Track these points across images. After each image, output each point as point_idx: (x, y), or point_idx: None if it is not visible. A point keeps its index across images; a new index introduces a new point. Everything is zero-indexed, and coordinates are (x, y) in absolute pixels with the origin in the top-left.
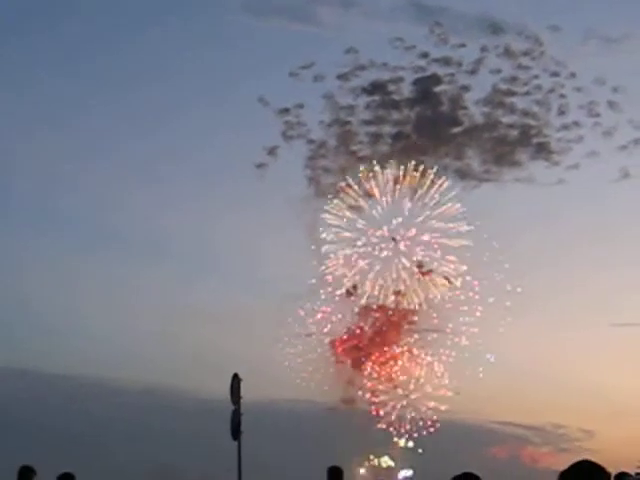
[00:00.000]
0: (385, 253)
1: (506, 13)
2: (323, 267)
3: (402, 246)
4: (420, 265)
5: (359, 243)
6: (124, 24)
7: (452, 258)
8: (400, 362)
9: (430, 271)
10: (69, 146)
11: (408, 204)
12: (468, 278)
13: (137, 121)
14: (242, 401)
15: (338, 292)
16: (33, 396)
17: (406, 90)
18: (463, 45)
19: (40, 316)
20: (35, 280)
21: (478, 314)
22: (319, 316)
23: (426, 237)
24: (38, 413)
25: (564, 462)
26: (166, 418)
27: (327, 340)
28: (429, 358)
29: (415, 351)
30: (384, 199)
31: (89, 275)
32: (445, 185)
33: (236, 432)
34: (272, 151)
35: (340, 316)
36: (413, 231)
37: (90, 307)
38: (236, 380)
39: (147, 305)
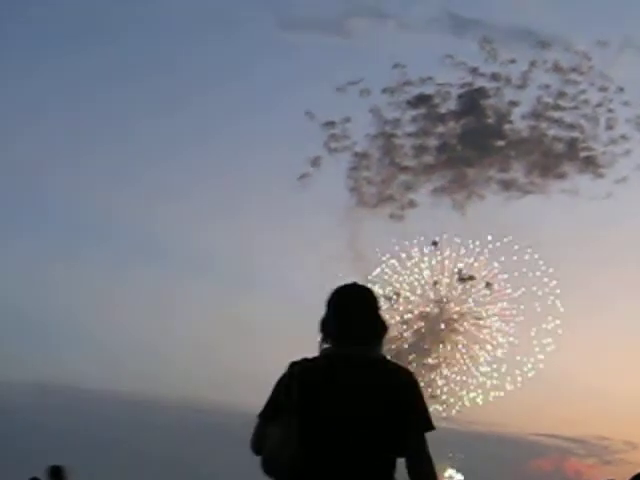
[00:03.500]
0: (427, 260)
1: (549, 27)
2: (364, 277)
3: (443, 252)
4: (460, 271)
5: (400, 250)
6: (167, 43)
7: (493, 266)
8: (440, 372)
9: (471, 277)
10: (109, 161)
11: (450, 213)
12: (509, 288)
13: (182, 136)
14: None
15: (382, 302)
16: (72, 410)
17: (452, 103)
18: (513, 61)
19: (80, 331)
20: (74, 295)
21: (519, 325)
22: None
23: (468, 245)
24: (77, 427)
25: (608, 474)
26: (204, 432)
27: None
28: (470, 369)
29: (455, 361)
30: (426, 209)
31: (130, 289)
32: (488, 196)
33: None
34: (315, 162)
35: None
36: (454, 238)
37: (131, 321)
38: None
39: (188, 319)
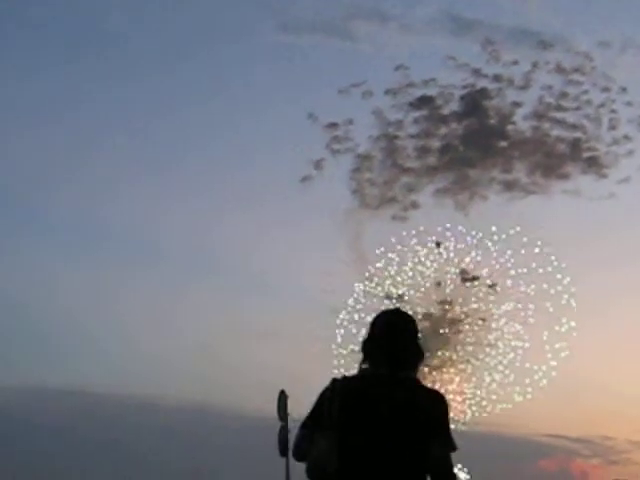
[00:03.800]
0: (430, 261)
1: (551, 28)
2: (368, 278)
3: (447, 253)
4: (465, 272)
5: (404, 250)
6: (168, 46)
7: (497, 267)
8: (444, 374)
9: (475, 278)
10: (109, 164)
11: (453, 214)
12: (512, 289)
13: (184, 138)
14: (289, 417)
15: (384, 302)
16: (74, 413)
17: (455, 104)
18: (516, 62)
19: (87, 336)
20: (80, 299)
21: (523, 326)
22: (365, 329)
23: (471, 246)
24: (78, 429)
25: (614, 474)
26: (214, 435)
27: None
28: (473, 369)
29: (460, 362)
30: (429, 209)
31: (131, 291)
32: (490, 197)
33: (284, 449)
34: (318, 164)
35: None
36: (458, 239)
37: (136, 325)
38: (283, 397)
39: (193, 322)
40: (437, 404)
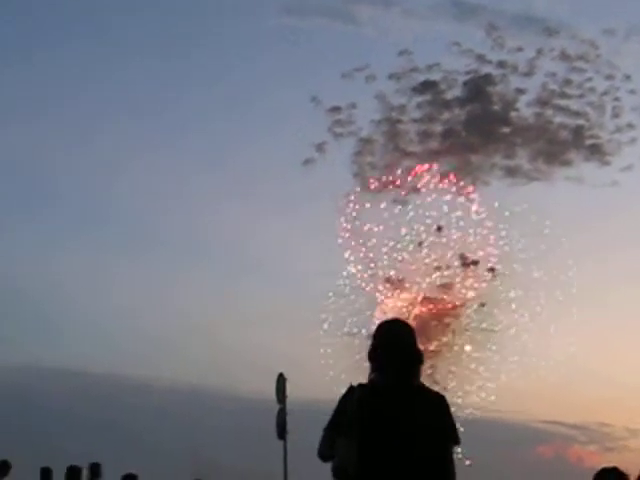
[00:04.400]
0: (429, 244)
1: (556, 15)
2: (368, 262)
3: (447, 237)
4: (465, 257)
5: (404, 234)
6: (170, 29)
7: (497, 252)
8: (441, 358)
9: (475, 262)
10: (111, 146)
11: (454, 198)
12: (514, 274)
13: (184, 122)
14: (287, 400)
15: (385, 285)
16: (79, 396)
17: (458, 90)
18: (520, 49)
19: (86, 316)
20: (80, 280)
21: (522, 311)
22: (364, 313)
23: (471, 230)
24: (75, 409)
25: (610, 461)
26: (211, 417)
27: (371, 336)
28: (472, 354)
29: (457, 347)
30: (430, 193)
31: (134, 274)
32: (492, 182)
33: (282, 431)
34: (320, 147)
35: (386, 309)
36: (459, 223)
37: (135, 307)
38: (281, 379)
39: (190, 304)
40: (442, 406)
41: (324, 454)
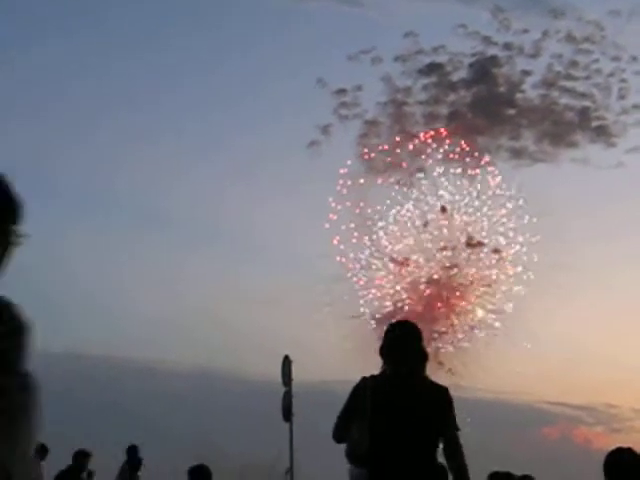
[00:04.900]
0: (435, 226)
1: None
2: (373, 244)
3: (452, 218)
4: (470, 237)
5: (409, 216)
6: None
7: (502, 233)
8: (447, 340)
9: (480, 244)
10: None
11: (459, 179)
12: (518, 255)
13: (190, 106)
14: (293, 382)
15: (389, 266)
16: (82, 378)
17: (464, 72)
18: (526, 31)
19: (89, 299)
20: (83, 262)
21: (527, 292)
22: (369, 294)
23: (477, 212)
24: (77, 391)
25: (617, 443)
26: (216, 399)
27: (375, 318)
28: (478, 335)
29: (462, 329)
30: (436, 167)
31: (138, 257)
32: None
33: (288, 414)
34: (325, 129)
35: (391, 291)
36: (463, 204)
37: (140, 290)
38: (287, 362)
39: (195, 287)
40: (445, 396)
41: (337, 437)
